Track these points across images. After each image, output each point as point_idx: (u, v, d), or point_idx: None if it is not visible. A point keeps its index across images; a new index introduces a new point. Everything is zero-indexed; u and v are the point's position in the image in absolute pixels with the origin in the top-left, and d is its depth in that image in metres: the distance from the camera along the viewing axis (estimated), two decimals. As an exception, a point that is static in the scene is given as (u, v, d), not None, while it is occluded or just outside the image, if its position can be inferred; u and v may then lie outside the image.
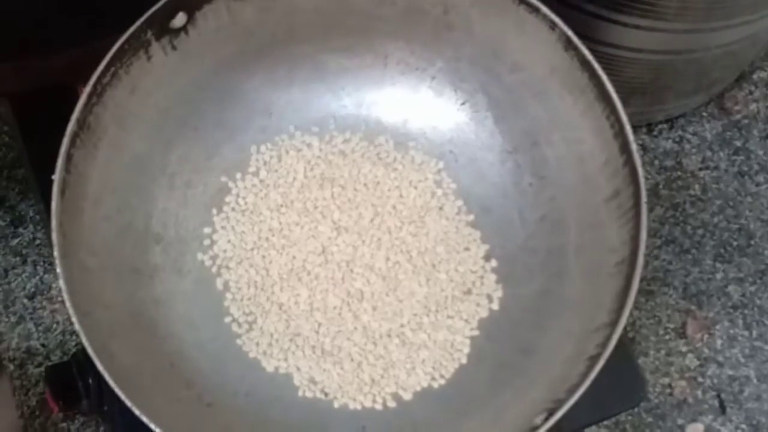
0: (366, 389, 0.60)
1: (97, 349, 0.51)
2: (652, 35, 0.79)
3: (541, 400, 0.53)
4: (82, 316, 0.51)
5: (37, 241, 0.89)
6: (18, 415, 0.82)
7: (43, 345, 0.86)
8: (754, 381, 0.91)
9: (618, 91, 0.56)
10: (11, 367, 0.85)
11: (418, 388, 0.60)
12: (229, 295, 0.62)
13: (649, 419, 0.89)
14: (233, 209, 0.64)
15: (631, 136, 0.56)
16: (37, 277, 0.88)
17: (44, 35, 0.56)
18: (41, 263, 0.89)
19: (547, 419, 0.51)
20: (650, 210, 0.94)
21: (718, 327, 0.93)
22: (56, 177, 0.53)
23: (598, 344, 0.53)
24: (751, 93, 1.02)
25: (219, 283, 0.62)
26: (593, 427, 0.65)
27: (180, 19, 0.58)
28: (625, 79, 0.85)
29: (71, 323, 0.51)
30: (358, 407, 0.60)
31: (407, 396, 0.60)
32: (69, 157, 0.54)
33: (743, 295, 0.94)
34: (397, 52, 0.64)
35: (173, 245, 0.62)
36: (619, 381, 0.60)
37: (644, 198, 0.55)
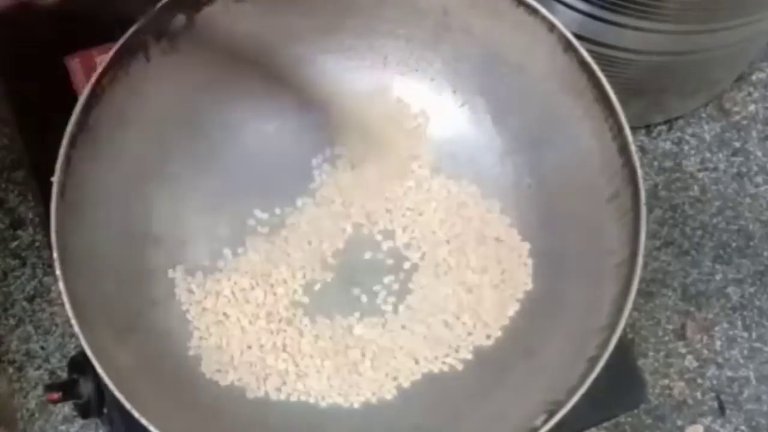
0: (366, 391, 0.60)
1: (97, 352, 0.51)
2: (651, 37, 0.79)
3: (541, 402, 0.53)
4: (81, 318, 0.51)
5: (37, 244, 0.89)
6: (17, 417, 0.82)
7: (42, 347, 0.86)
8: (754, 382, 0.91)
9: (617, 93, 0.56)
10: (10, 369, 0.85)
11: (418, 391, 0.60)
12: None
13: (649, 421, 0.89)
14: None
15: (630, 138, 0.56)
16: (37, 280, 0.88)
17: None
18: (40, 265, 0.88)
19: (546, 421, 0.51)
20: (649, 211, 0.94)
21: (717, 328, 0.93)
22: (55, 179, 0.53)
23: (597, 345, 0.53)
24: (749, 94, 1.02)
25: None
26: (593, 429, 0.64)
27: (179, 21, 0.58)
28: (624, 80, 0.85)
29: (71, 326, 0.51)
30: (358, 408, 0.59)
31: (407, 398, 0.60)
32: (68, 159, 0.54)
33: (742, 297, 0.94)
34: (396, 53, 0.64)
35: (173, 247, 0.62)
36: (619, 382, 0.60)
37: (643, 199, 0.55)
